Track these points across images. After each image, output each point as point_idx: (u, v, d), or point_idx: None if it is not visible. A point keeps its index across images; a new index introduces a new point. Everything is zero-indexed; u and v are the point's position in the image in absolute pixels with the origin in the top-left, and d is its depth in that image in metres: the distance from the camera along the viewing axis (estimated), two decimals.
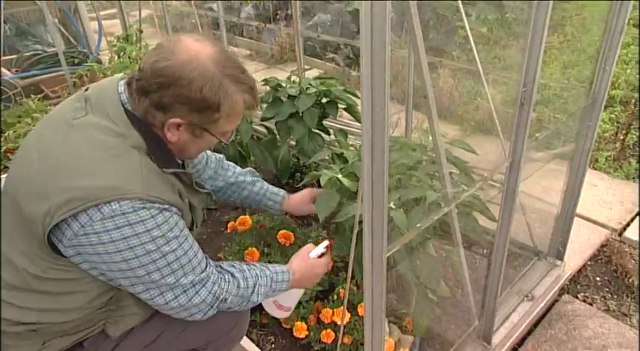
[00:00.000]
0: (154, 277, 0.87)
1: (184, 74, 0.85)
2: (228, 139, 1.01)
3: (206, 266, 0.96)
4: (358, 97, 1.86)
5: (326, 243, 1.24)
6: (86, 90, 0.94)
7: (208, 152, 1.33)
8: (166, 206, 0.88)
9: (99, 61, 3.27)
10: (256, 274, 1.04)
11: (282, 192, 1.41)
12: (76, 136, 0.86)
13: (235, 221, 1.58)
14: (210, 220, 2.04)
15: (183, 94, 0.86)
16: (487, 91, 1.29)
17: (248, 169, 1.43)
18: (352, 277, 1.27)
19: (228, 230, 1.61)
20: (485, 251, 1.74)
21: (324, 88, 1.77)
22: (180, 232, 0.90)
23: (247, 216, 1.58)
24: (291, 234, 1.48)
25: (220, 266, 1.02)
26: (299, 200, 1.41)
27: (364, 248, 0.73)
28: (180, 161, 1.03)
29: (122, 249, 0.83)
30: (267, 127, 2.05)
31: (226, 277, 0.99)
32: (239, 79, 0.91)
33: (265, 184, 1.41)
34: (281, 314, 1.24)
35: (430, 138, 1.44)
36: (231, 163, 1.39)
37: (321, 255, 1.22)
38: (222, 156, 1.39)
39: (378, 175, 0.65)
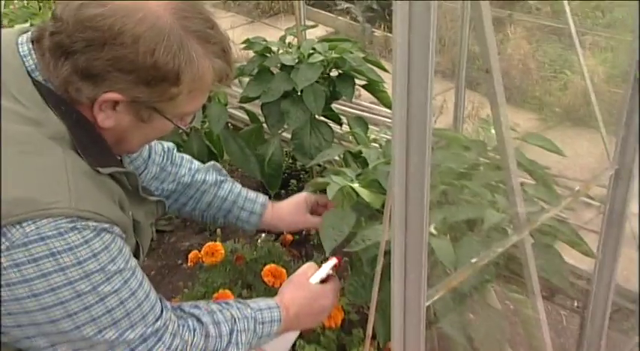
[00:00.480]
0: (86, 332, 0.87)
1: (127, 28, 0.84)
2: (187, 124, 1.02)
3: (161, 312, 0.96)
4: (385, 70, 1.89)
5: (333, 262, 1.26)
6: None
7: (152, 142, 1.32)
8: (105, 225, 0.88)
9: None
10: (232, 315, 1.05)
11: (261, 197, 1.40)
12: None
13: (200, 250, 1.61)
14: (162, 247, 2.07)
15: (125, 58, 0.85)
16: (582, 62, 1.31)
17: (211, 163, 1.42)
18: (373, 337, 1.28)
19: (189, 263, 1.63)
20: (576, 304, 1.75)
21: (335, 56, 1.80)
22: (125, 263, 0.91)
23: (217, 243, 1.61)
24: (282, 270, 1.50)
25: (180, 309, 1.03)
26: (289, 210, 1.40)
27: (393, 293, 0.75)
28: (118, 156, 1.03)
29: (39, 292, 0.83)
30: (249, 112, 2.09)
31: (190, 323, 1.00)
32: (207, 36, 0.91)
33: (237, 185, 1.40)
34: None
35: (493, 131, 1.48)
36: (185, 156, 1.38)
37: (326, 279, 1.24)
38: (171, 145, 1.38)
39: (416, 185, 0.67)
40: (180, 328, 0.98)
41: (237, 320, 1.04)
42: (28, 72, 0.89)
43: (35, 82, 0.89)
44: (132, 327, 0.91)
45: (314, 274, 1.23)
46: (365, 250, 1.21)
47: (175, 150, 1.38)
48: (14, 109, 0.86)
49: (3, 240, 0.81)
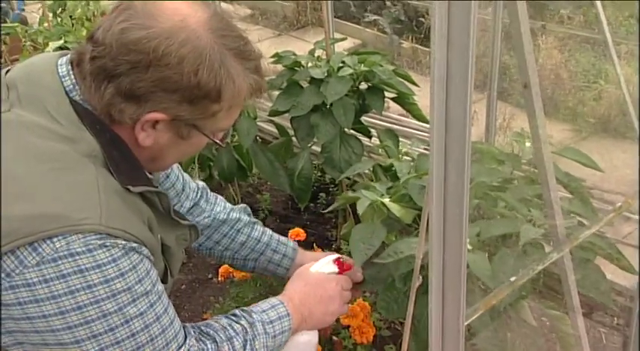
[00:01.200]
0: None
1: (172, 49, 0.86)
2: (224, 140, 1.03)
3: (184, 340, 0.96)
4: (414, 83, 1.88)
5: (334, 256, 1.24)
6: (7, 72, 0.95)
7: (186, 177, 1.33)
8: (134, 245, 0.88)
9: (24, 21, 3.37)
10: (242, 327, 1.04)
11: (291, 242, 1.39)
12: None
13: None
14: (193, 261, 2.08)
15: (169, 78, 0.87)
16: (619, 71, 1.28)
17: (242, 205, 1.41)
18: None
19: (220, 278, 1.63)
20: (616, 321, 1.71)
21: (365, 69, 1.80)
22: (152, 286, 0.91)
23: None
24: None
25: (199, 329, 1.03)
26: (316, 256, 1.35)
27: (430, 313, 0.74)
28: (150, 176, 1.04)
29: (66, 309, 0.83)
30: (278, 126, 2.09)
31: (208, 346, 0.99)
32: (243, 53, 0.93)
33: (266, 228, 1.38)
34: None
35: (527, 145, 1.45)
36: (218, 196, 1.38)
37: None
38: (204, 185, 1.38)
39: (454, 204, 0.66)
40: None
41: (247, 330, 1.04)
42: (66, 92, 0.92)
43: (72, 102, 0.91)
44: None
45: (312, 265, 1.21)
46: (397, 265, 1.20)
47: (208, 190, 1.38)
48: (51, 127, 0.88)
49: (34, 255, 0.82)
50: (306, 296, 1.14)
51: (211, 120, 0.94)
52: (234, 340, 1.02)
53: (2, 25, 2.92)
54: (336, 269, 1.23)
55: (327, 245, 2.00)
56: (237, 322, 1.05)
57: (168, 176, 1.25)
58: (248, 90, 0.95)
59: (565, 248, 0.91)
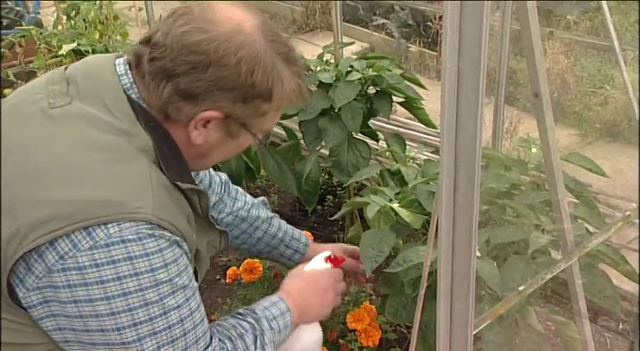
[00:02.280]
0: (147, 346, 0.88)
1: (230, 51, 0.91)
2: (265, 140, 1.06)
3: (211, 340, 0.98)
4: (422, 87, 1.87)
5: (326, 253, 1.26)
6: (66, 69, 0.99)
7: (211, 171, 1.37)
8: (178, 238, 0.91)
9: (39, 24, 3.38)
10: (249, 324, 1.06)
11: (304, 237, 1.44)
12: (57, 131, 0.90)
13: (238, 266, 1.60)
14: None
15: (227, 78, 0.91)
16: (626, 76, 1.27)
17: (261, 199, 1.45)
18: None
19: (228, 280, 1.62)
20: (621, 326, 1.69)
21: (373, 73, 1.78)
22: (189, 281, 0.93)
23: (256, 260, 1.60)
24: None
25: (215, 329, 1.04)
26: (327, 248, 1.40)
27: (439, 322, 0.73)
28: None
29: (112, 295, 0.85)
30: (286, 129, 2.08)
31: (227, 345, 1.01)
32: (290, 58, 0.98)
33: (283, 222, 1.44)
34: None
35: (534, 150, 1.44)
36: (239, 189, 1.42)
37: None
38: (226, 177, 1.42)
39: (464, 214, 0.65)
40: None
41: (255, 326, 1.06)
42: (123, 89, 0.95)
43: (129, 99, 0.95)
44: (186, 349, 0.92)
45: (306, 265, 1.24)
46: (406, 271, 1.19)
47: (230, 182, 1.42)
48: (108, 120, 0.92)
49: (88, 239, 0.84)
50: (303, 290, 1.17)
51: (260, 119, 0.99)
52: (245, 337, 1.03)
53: (18, 27, 2.93)
54: (328, 265, 1.25)
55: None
56: (244, 320, 1.07)
57: (197, 173, 1.27)
58: (293, 93, 0.99)
59: (574, 257, 0.90)
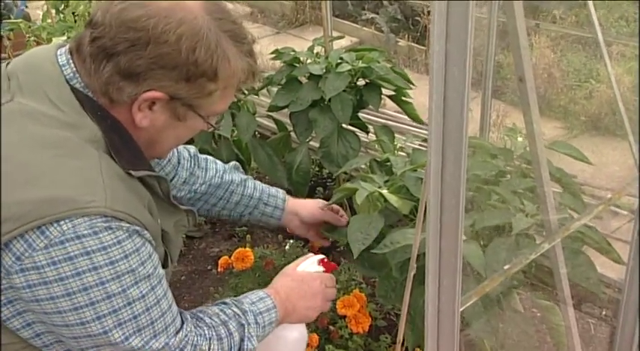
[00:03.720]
0: (114, 337, 0.88)
1: (170, 27, 0.87)
2: (217, 123, 1.05)
3: (182, 324, 0.98)
4: (410, 82, 1.89)
5: (319, 257, 1.27)
6: (7, 65, 0.96)
7: (179, 148, 1.34)
8: (137, 228, 0.90)
9: (27, 18, 3.36)
10: (234, 313, 1.06)
11: (281, 192, 1.45)
12: (3, 131, 0.87)
13: (230, 256, 1.61)
14: (192, 253, 2.09)
15: (168, 55, 0.88)
16: (610, 70, 1.30)
17: (232, 163, 1.46)
18: (402, 343, 1.28)
19: (219, 269, 1.64)
20: (604, 312, 1.72)
21: (363, 65, 1.80)
22: (153, 269, 0.92)
23: (247, 248, 1.61)
24: None
25: (195, 316, 1.04)
26: (307, 202, 1.46)
27: (427, 299, 0.75)
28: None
29: (73, 291, 0.84)
30: (277, 121, 2.10)
31: (205, 331, 1.01)
32: (238, 36, 0.95)
33: (257, 182, 1.44)
34: None
35: (520, 139, 1.47)
36: (208, 157, 1.41)
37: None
38: (195, 149, 1.40)
39: (451, 192, 0.67)
40: (199, 338, 0.99)
41: (240, 316, 1.06)
42: (66, 80, 0.92)
43: (73, 89, 0.92)
44: (155, 337, 0.92)
45: (299, 264, 1.25)
46: (393, 254, 1.21)
47: (199, 154, 1.41)
48: (53, 114, 0.89)
49: (42, 238, 0.83)
50: (290, 291, 1.17)
51: (207, 100, 0.95)
52: (229, 323, 1.04)
53: (6, 21, 2.91)
54: (321, 269, 1.26)
55: (323, 237, 2.01)
56: (229, 309, 1.07)
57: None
58: (242, 72, 0.96)
59: (557, 238, 0.92)
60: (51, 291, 0.84)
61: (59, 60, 0.94)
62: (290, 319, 1.17)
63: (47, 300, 0.85)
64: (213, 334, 1.02)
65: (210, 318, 1.04)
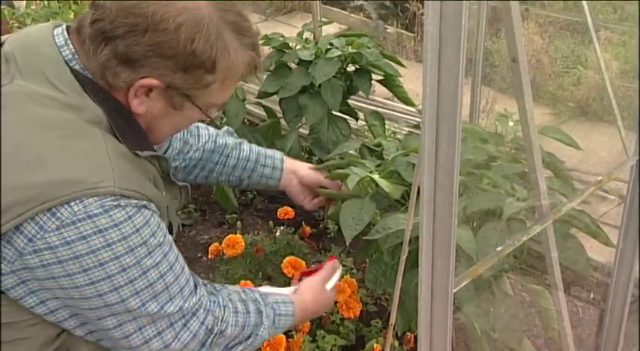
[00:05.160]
0: (131, 305, 0.90)
1: (170, 15, 0.87)
2: (215, 115, 1.04)
3: (195, 287, 0.99)
4: (401, 64, 1.89)
5: (335, 261, 1.30)
6: (2, 45, 0.95)
7: None
8: (145, 202, 0.91)
9: (11, 5, 3.33)
10: (256, 298, 1.08)
11: (278, 152, 1.44)
12: (5, 114, 0.87)
13: (220, 243, 1.61)
14: (182, 241, 2.08)
15: (165, 44, 0.87)
16: (600, 56, 1.30)
17: (225, 128, 1.44)
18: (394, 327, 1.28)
19: (210, 256, 1.64)
20: (592, 296, 1.74)
21: (352, 51, 1.79)
22: (163, 237, 0.94)
23: (238, 235, 1.61)
24: (302, 262, 1.50)
25: (212, 285, 1.07)
26: (305, 164, 1.45)
27: (420, 280, 0.75)
28: None
29: (89, 267, 0.86)
30: (266, 108, 2.09)
31: (220, 300, 1.03)
32: (241, 29, 0.94)
33: (253, 145, 1.43)
34: None
35: (510, 124, 1.47)
36: (199, 124, 1.39)
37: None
38: None
39: (445, 172, 0.67)
40: (212, 304, 1.01)
41: (260, 303, 1.08)
42: (65, 61, 0.92)
43: (73, 71, 0.91)
44: (171, 300, 0.94)
45: (330, 280, 1.28)
46: (385, 239, 1.22)
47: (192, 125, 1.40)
48: (54, 96, 0.89)
49: (53, 220, 0.84)
50: (315, 308, 1.22)
51: (205, 91, 0.95)
52: (248, 303, 1.06)
53: None
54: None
55: (314, 225, 2.01)
56: (251, 293, 1.10)
57: None
58: (243, 65, 0.95)
59: (548, 220, 0.93)
60: (66, 268, 0.85)
61: (57, 41, 0.93)
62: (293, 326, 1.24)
63: (63, 277, 0.86)
64: (229, 305, 1.03)
65: (229, 292, 1.06)
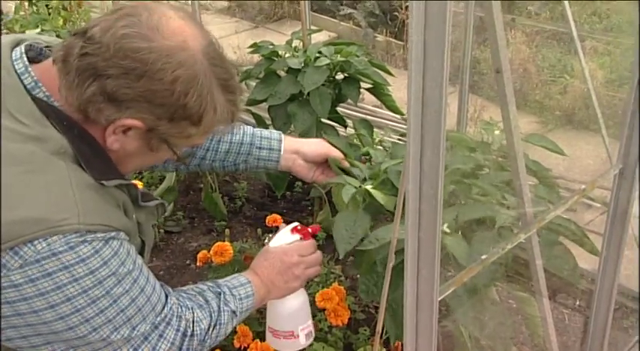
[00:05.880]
0: (103, 333, 0.89)
1: (168, 67, 0.86)
2: (185, 159, 1.05)
3: (166, 299, 1.00)
4: (389, 73, 1.90)
5: (292, 225, 1.24)
6: None
7: None
8: (112, 233, 0.89)
9: None
10: (207, 286, 1.10)
11: (275, 133, 1.36)
12: None
13: (208, 250, 1.61)
14: (170, 248, 2.07)
15: (159, 93, 0.87)
16: (584, 65, 1.32)
17: None
18: (381, 335, 1.28)
19: (199, 263, 1.63)
20: (577, 303, 1.76)
21: (341, 59, 1.80)
22: (133, 264, 0.92)
23: (226, 243, 1.61)
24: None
25: (175, 291, 1.06)
26: (309, 140, 1.38)
27: (406, 288, 0.76)
28: None
29: (56, 303, 0.84)
30: (255, 115, 2.09)
31: (187, 302, 1.04)
32: (229, 86, 0.95)
33: (249, 127, 1.36)
34: (292, 345, 1.25)
35: (497, 133, 1.48)
36: None
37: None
38: None
39: (429, 181, 0.68)
40: (182, 308, 1.02)
41: (214, 287, 1.09)
42: (27, 90, 0.89)
43: (35, 99, 0.89)
44: (143, 320, 0.94)
45: (272, 240, 1.24)
46: (378, 249, 1.21)
47: None
48: (14, 127, 0.86)
49: (16, 258, 0.82)
50: (266, 270, 1.17)
51: (184, 140, 0.96)
52: (205, 293, 1.07)
53: None
54: (296, 237, 1.23)
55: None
56: (203, 283, 1.11)
57: None
58: (224, 120, 0.96)
59: (533, 228, 0.94)
60: (32, 305, 0.84)
61: (16, 67, 0.90)
62: (274, 295, 1.19)
63: (30, 314, 0.85)
64: (194, 303, 1.04)
65: (186, 291, 1.07)
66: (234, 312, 1.08)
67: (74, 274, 0.84)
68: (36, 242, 0.82)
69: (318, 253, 1.26)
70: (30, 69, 0.90)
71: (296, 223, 1.26)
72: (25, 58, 0.91)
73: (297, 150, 1.35)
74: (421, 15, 0.60)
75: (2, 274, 0.82)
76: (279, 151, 1.33)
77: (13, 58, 0.91)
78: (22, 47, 0.93)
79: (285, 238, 1.24)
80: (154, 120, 0.90)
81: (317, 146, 1.37)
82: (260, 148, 1.33)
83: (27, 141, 0.86)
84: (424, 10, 0.60)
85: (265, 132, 1.35)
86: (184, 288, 1.09)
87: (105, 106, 0.87)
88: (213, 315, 1.05)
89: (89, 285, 0.86)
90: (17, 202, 0.83)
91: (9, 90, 0.88)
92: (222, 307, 1.07)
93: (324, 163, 1.38)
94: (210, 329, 1.05)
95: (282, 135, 1.36)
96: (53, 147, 0.87)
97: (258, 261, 1.20)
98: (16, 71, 0.90)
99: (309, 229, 1.26)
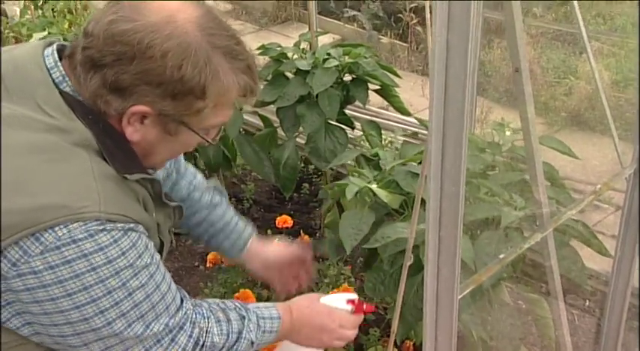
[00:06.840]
0: (117, 327, 0.89)
1: (155, 43, 0.86)
2: (215, 137, 1.02)
3: (181, 302, 0.99)
4: (397, 75, 1.90)
5: (351, 296, 1.20)
6: None
7: None
8: (132, 225, 0.90)
9: (2, 14, 3.32)
10: (235, 306, 1.07)
11: (248, 231, 1.32)
12: None
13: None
14: (179, 250, 2.08)
15: (153, 71, 0.86)
16: (594, 66, 1.32)
17: (212, 183, 1.36)
18: (389, 334, 1.28)
19: (209, 265, 1.63)
20: (587, 304, 1.75)
21: (350, 61, 1.81)
22: (150, 258, 0.93)
23: None
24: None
25: (195, 301, 1.05)
26: (275, 249, 1.32)
27: (426, 287, 0.76)
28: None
29: (73, 291, 0.85)
30: (263, 117, 2.10)
31: (204, 311, 1.02)
32: (233, 52, 0.92)
33: (230, 211, 1.33)
34: None
35: (507, 133, 1.48)
36: (190, 168, 1.33)
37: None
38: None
39: (451, 179, 0.68)
40: (197, 316, 1.01)
41: (241, 309, 1.07)
42: (55, 84, 0.91)
43: (62, 93, 0.90)
44: (157, 318, 0.93)
45: (327, 295, 1.20)
46: (384, 247, 1.22)
47: (182, 158, 1.33)
48: (39, 118, 0.88)
49: (37, 244, 0.83)
50: (302, 315, 1.13)
51: (197, 117, 0.93)
52: (228, 311, 1.04)
53: None
54: (347, 307, 1.17)
55: (311, 234, 2.01)
56: (231, 302, 1.08)
57: None
58: (236, 90, 0.93)
59: (549, 228, 0.94)
60: (50, 293, 0.84)
61: (47, 62, 0.92)
62: (293, 339, 1.16)
63: (47, 301, 0.85)
64: (213, 315, 1.03)
65: (209, 304, 1.05)
66: (252, 343, 1.05)
67: (92, 262, 0.85)
68: (57, 228, 0.83)
69: (355, 332, 1.20)
70: (59, 64, 0.92)
71: (356, 296, 1.20)
72: (56, 55, 0.93)
73: (259, 254, 1.31)
74: (444, 15, 0.61)
75: (23, 261, 0.83)
76: (242, 250, 1.30)
77: (45, 54, 0.93)
78: (55, 46, 0.95)
79: (339, 303, 1.18)
80: (159, 101, 0.89)
81: (280, 250, 1.32)
82: (227, 238, 1.30)
83: (52, 131, 0.88)
84: (447, 10, 0.61)
85: (240, 226, 1.31)
86: (209, 300, 1.07)
87: (111, 97, 0.88)
88: (231, 336, 1.03)
89: (106, 275, 0.86)
90: (39, 189, 0.84)
91: (39, 84, 0.90)
92: (244, 333, 1.04)
93: (285, 268, 1.33)
94: (225, 347, 1.02)
95: (253, 235, 1.32)
96: (77, 138, 0.88)
97: (301, 302, 1.16)
98: (46, 66, 0.91)
99: (364, 306, 1.19)
